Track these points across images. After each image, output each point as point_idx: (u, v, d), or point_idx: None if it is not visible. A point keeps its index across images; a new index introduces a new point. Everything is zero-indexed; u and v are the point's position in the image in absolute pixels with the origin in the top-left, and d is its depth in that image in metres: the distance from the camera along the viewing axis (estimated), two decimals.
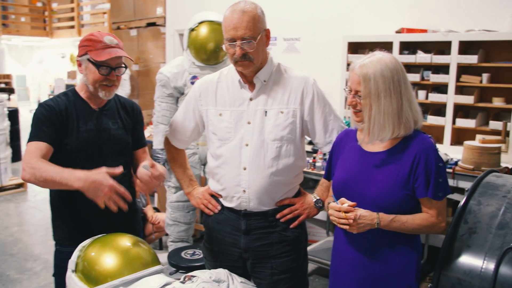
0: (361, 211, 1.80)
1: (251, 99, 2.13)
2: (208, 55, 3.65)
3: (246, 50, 2.00)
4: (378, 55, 1.83)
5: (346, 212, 1.81)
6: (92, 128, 2.22)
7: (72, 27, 9.86)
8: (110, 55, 2.12)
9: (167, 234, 4.19)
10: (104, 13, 8.52)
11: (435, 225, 1.84)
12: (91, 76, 2.17)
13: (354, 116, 1.90)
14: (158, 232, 4.43)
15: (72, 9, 9.74)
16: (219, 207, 2.24)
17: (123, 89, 7.17)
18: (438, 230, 1.86)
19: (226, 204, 2.21)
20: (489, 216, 1.91)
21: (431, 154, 1.81)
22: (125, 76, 7.17)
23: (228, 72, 2.21)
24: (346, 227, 1.81)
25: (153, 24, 7.23)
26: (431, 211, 1.84)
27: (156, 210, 4.64)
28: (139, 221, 2.49)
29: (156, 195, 5.48)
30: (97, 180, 1.87)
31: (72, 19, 9.87)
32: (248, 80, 2.14)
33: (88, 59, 2.15)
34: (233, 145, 2.12)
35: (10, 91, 11.24)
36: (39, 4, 10.92)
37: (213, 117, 2.17)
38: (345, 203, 1.83)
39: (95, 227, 2.17)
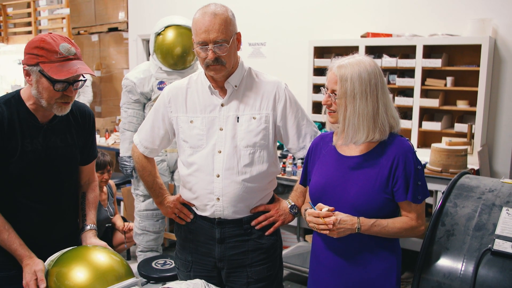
0: (341, 215, 1.78)
1: (222, 105, 2.08)
2: (175, 60, 3.58)
3: (219, 54, 1.95)
4: (358, 57, 1.82)
5: (325, 217, 1.78)
6: (38, 148, 1.96)
7: (29, 32, 9.55)
8: (70, 73, 1.82)
9: (136, 244, 4.08)
10: (63, 18, 8.29)
11: (415, 229, 1.83)
12: (45, 93, 1.87)
13: (329, 116, 1.88)
14: (129, 242, 4.30)
15: (29, 14, 9.43)
16: (192, 216, 2.18)
17: (85, 96, 6.97)
18: (417, 233, 1.85)
19: (199, 212, 2.15)
20: (465, 218, 1.92)
21: (410, 157, 1.80)
22: (87, 83, 6.98)
23: (198, 78, 2.15)
24: (326, 232, 1.78)
25: (115, 29, 7.08)
26: (411, 215, 1.82)
27: (124, 219, 4.51)
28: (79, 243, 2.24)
29: (122, 203, 5.33)
30: (24, 272, 1.87)
31: (29, 24, 9.56)
32: (219, 86, 2.09)
33: (41, 72, 1.84)
34: (206, 153, 2.06)
35: None
36: None
37: (184, 124, 2.11)
38: (323, 208, 1.80)
39: (33, 251, 1.95)
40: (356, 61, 1.79)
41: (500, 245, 1.77)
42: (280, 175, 4.17)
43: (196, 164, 2.08)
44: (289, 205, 2.19)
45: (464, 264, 1.80)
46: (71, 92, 1.90)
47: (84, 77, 1.94)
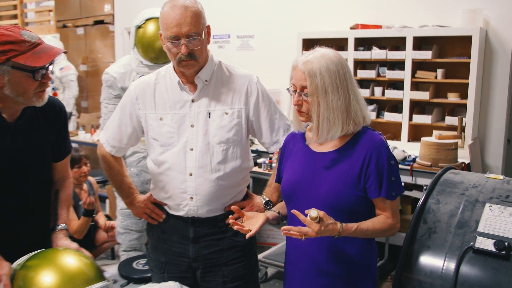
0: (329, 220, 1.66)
1: (193, 101, 2.05)
2: (157, 53, 3.53)
3: (192, 48, 1.91)
4: (321, 51, 1.77)
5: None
6: (6, 148, 1.91)
7: (16, 25, 9.48)
8: (50, 56, 1.80)
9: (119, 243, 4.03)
10: (50, 10, 8.20)
11: (392, 227, 1.79)
12: (22, 87, 1.80)
13: (299, 116, 1.83)
14: (112, 241, 4.25)
15: (15, 7, 9.34)
16: (164, 215, 2.15)
17: (71, 91, 6.90)
18: (394, 231, 1.81)
19: (172, 212, 2.12)
20: (448, 215, 1.89)
21: (383, 152, 1.76)
22: (72, 77, 6.90)
23: (166, 73, 2.11)
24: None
25: (101, 22, 7.01)
26: (386, 213, 1.78)
27: (108, 218, 4.47)
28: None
29: (107, 201, 5.29)
30: None
31: (15, 17, 9.46)
32: (189, 81, 2.05)
33: (15, 67, 1.76)
34: (177, 150, 2.03)
35: None
36: None
37: (153, 121, 2.07)
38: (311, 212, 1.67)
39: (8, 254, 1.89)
40: (320, 54, 1.75)
41: (481, 243, 1.74)
42: (266, 171, 4.14)
43: (168, 162, 2.05)
44: (264, 201, 2.17)
45: (445, 262, 1.77)
46: (48, 77, 1.85)
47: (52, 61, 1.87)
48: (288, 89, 1.83)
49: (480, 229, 1.78)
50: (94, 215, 4.22)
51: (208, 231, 2.08)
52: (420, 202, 1.98)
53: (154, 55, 3.54)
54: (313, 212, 1.61)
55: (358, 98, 1.79)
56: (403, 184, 3.71)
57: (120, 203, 3.82)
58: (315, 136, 1.81)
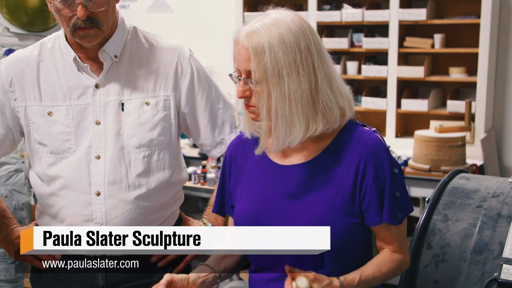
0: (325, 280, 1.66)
1: (97, 86, 2.05)
2: (31, 16, 3.50)
3: (94, 9, 1.91)
4: (274, 15, 1.74)
5: None
6: None
7: None
8: None
9: None
10: None
11: (402, 263, 1.80)
12: None
13: (248, 112, 1.79)
14: None
15: None
16: (59, 256, 2.09)
17: None
18: (404, 268, 1.84)
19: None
20: (461, 236, 1.96)
21: (383, 158, 1.75)
22: None
23: (55, 45, 2.10)
24: None
25: None
26: (392, 245, 1.79)
27: None
28: None
29: None
30: None
31: None
32: (90, 57, 2.06)
33: None
34: (76, 160, 2.03)
35: None
36: None
37: (38, 118, 2.06)
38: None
39: None
40: (272, 21, 1.71)
41: (509, 273, 1.80)
42: (198, 185, 4.14)
43: (62, 178, 2.04)
44: (205, 227, 2.19)
45: None
46: None
47: None
48: (231, 75, 1.79)
49: (506, 254, 1.85)
50: None
51: (126, 275, 2.09)
52: (421, 220, 2.04)
53: (27, 18, 3.51)
54: (302, 282, 1.60)
55: (332, 80, 1.76)
56: None
57: None
58: (274, 141, 1.76)
